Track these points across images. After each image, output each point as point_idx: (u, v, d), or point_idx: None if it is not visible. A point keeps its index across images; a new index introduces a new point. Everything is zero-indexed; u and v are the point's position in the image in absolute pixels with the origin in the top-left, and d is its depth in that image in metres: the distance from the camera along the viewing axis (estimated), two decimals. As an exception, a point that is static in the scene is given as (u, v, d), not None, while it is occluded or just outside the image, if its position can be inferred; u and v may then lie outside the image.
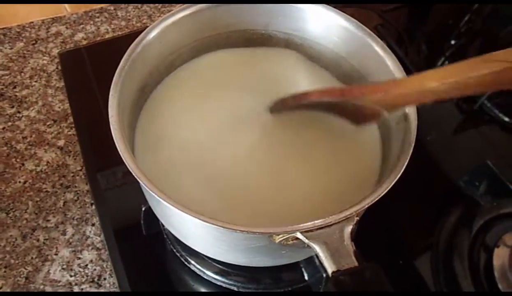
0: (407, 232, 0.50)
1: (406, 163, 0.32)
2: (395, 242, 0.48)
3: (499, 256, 0.45)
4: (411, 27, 0.68)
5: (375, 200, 0.30)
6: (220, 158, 0.40)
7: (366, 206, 0.30)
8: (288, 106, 0.41)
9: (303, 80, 0.46)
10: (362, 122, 0.39)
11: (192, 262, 0.44)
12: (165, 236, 0.46)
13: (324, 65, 0.47)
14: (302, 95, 0.40)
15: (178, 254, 0.45)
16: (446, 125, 0.59)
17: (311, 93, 0.39)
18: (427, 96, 0.33)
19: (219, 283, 0.44)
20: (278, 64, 0.47)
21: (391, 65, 0.39)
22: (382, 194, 0.30)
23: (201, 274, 0.44)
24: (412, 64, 0.60)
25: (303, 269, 0.43)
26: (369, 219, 0.39)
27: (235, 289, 0.43)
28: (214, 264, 0.44)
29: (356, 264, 0.28)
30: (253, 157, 0.40)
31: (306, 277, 0.43)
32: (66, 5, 0.65)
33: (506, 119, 0.57)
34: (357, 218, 0.31)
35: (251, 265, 0.38)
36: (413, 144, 0.34)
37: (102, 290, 0.44)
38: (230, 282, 0.44)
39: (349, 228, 0.29)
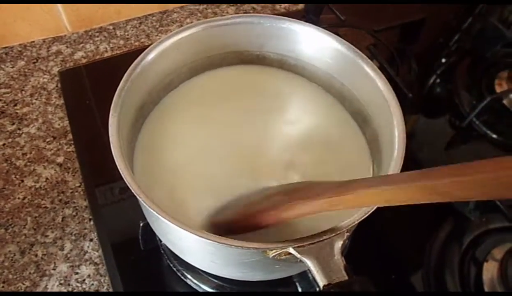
0: (399, 247, 0.51)
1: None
2: (388, 257, 0.50)
3: (489, 270, 0.46)
4: (402, 46, 0.70)
5: (364, 217, 0.31)
6: (217, 174, 0.41)
7: (356, 222, 0.31)
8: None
9: (299, 97, 0.48)
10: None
11: (189, 276, 0.45)
12: (162, 251, 0.47)
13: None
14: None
15: (174, 269, 0.46)
16: (437, 142, 0.60)
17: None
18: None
19: (214, 298, 0.45)
20: (273, 81, 0.48)
21: (382, 86, 0.40)
22: (369, 212, 0.31)
23: (197, 288, 0.45)
24: (403, 82, 0.62)
25: (297, 284, 0.43)
26: (362, 235, 0.40)
27: (230, 303, 0.44)
28: (210, 278, 0.45)
29: (346, 277, 0.29)
30: (250, 173, 0.42)
31: (300, 291, 0.44)
32: (67, 24, 0.67)
33: (494, 136, 0.59)
34: (348, 234, 0.32)
35: (245, 280, 0.39)
36: (401, 163, 0.35)
37: (99, 304, 0.45)
38: (226, 297, 0.44)
39: (339, 244, 0.31)
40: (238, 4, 0.75)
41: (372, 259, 0.48)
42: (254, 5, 0.75)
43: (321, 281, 0.29)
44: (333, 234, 0.30)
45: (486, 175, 0.21)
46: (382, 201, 0.26)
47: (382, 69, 0.41)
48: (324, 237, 0.30)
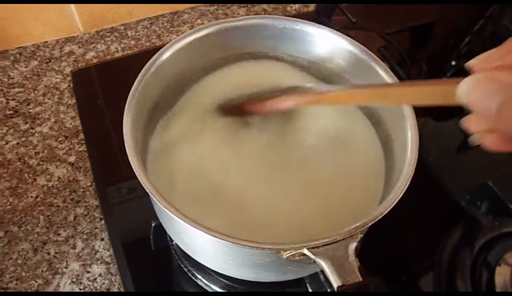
0: (411, 250, 0.51)
1: (407, 184, 0.33)
2: (399, 260, 0.49)
3: (501, 275, 0.45)
4: (413, 49, 0.70)
5: (378, 219, 0.31)
6: (229, 175, 0.42)
7: (369, 224, 0.31)
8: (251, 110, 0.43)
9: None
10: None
11: (199, 277, 0.45)
12: (173, 252, 0.47)
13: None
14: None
15: (185, 269, 0.46)
16: (448, 145, 0.60)
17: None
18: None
19: (225, 298, 0.45)
20: (286, 78, 0.48)
21: (394, 87, 0.40)
22: (383, 214, 0.31)
23: (208, 289, 0.45)
24: (414, 85, 0.61)
25: (307, 285, 0.43)
26: (374, 237, 0.40)
27: (241, 304, 0.44)
28: (221, 279, 0.45)
29: (360, 279, 0.29)
30: (264, 171, 0.42)
31: (311, 292, 0.44)
32: (79, 24, 0.68)
33: (506, 139, 0.58)
34: (361, 235, 0.32)
35: (257, 280, 0.39)
36: (414, 165, 0.35)
37: (110, 303, 0.45)
38: (236, 297, 0.44)
39: (353, 245, 0.31)
40: (249, 5, 0.75)
41: (383, 261, 0.48)
42: (265, 6, 0.76)
43: (336, 282, 0.29)
44: (347, 236, 0.30)
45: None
46: (347, 99, 0.38)
47: (393, 71, 0.41)
48: (338, 238, 0.30)
